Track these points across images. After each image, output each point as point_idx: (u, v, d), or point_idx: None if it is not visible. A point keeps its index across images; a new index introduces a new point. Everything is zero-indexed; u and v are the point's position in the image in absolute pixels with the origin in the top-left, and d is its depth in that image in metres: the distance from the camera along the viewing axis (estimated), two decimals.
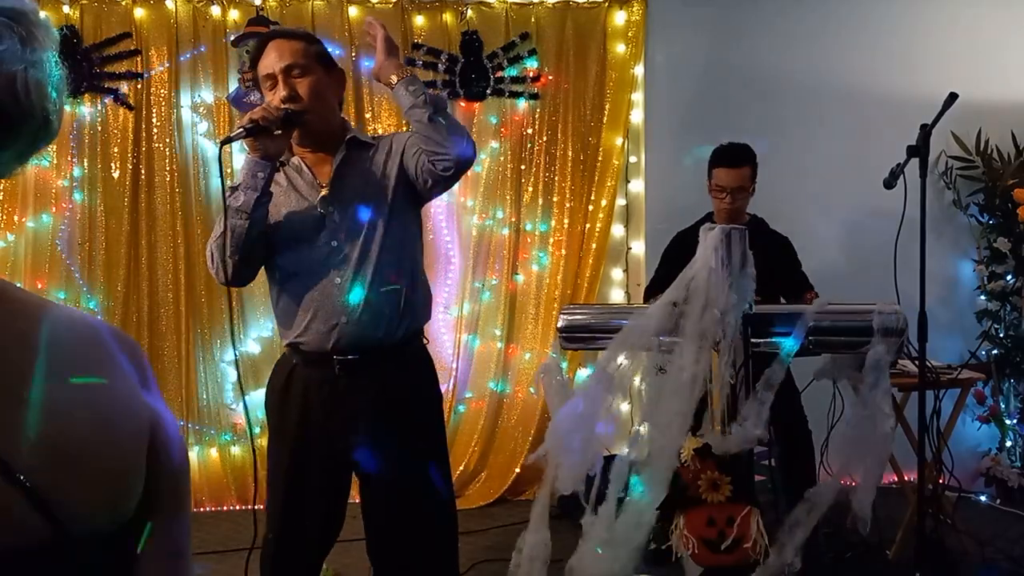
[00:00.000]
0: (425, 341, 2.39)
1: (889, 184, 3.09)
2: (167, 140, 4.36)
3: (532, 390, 4.51)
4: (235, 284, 2.27)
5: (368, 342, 2.20)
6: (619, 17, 4.55)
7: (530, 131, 4.54)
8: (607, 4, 4.55)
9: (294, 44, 2.23)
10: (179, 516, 0.84)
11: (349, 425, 2.22)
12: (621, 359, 1.89)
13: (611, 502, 1.84)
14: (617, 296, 4.64)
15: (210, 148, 4.42)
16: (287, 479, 2.26)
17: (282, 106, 2.16)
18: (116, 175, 4.35)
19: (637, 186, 4.65)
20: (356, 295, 2.19)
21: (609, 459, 1.91)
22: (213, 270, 2.22)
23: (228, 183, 4.37)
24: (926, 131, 3.04)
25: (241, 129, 2.10)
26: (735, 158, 3.51)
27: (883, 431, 1.82)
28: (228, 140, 2.14)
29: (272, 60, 2.20)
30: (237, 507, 4.37)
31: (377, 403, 2.21)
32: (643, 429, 1.88)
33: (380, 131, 4.41)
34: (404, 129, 4.42)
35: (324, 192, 2.23)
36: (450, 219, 4.54)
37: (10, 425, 0.69)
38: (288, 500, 2.26)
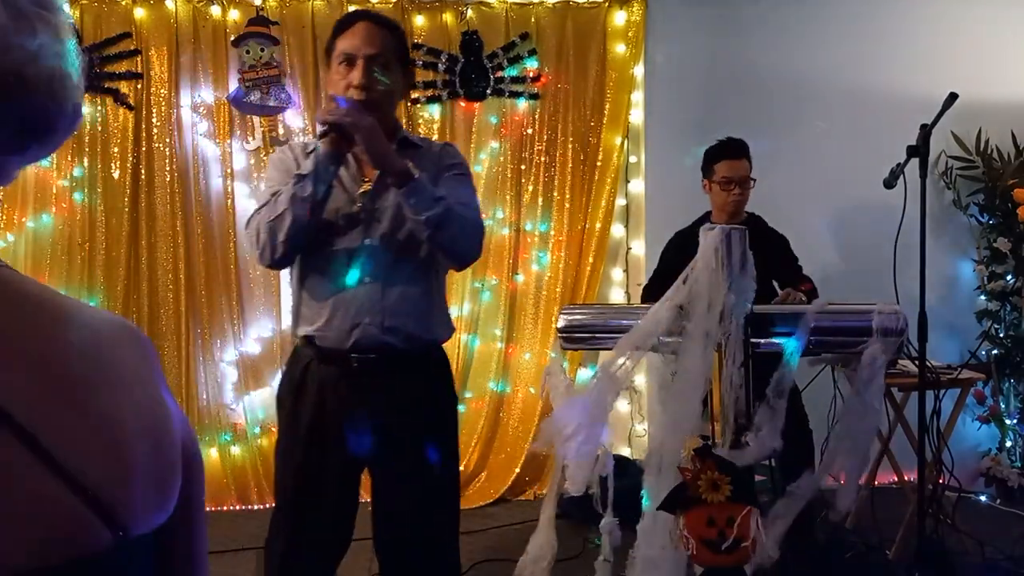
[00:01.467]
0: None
1: (889, 184, 3.09)
2: (167, 140, 4.36)
3: (532, 390, 4.51)
4: (276, 267, 2.25)
5: (389, 344, 2.15)
6: (619, 17, 4.55)
7: (530, 131, 4.54)
8: (607, 4, 4.55)
9: (384, 33, 2.17)
10: (202, 511, 0.87)
11: (364, 423, 2.16)
12: (622, 359, 1.89)
13: (648, 518, 1.84)
14: (617, 296, 4.64)
15: (210, 148, 4.42)
16: (298, 477, 2.21)
17: (355, 98, 2.10)
18: (116, 175, 4.35)
19: (637, 186, 4.65)
20: (384, 297, 2.14)
21: (617, 459, 1.92)
22: (257, 250, 2.16)
23: (228, 182, 4.32)
24: (926, 131, 3.05)
25: (327, 131, 2.06)
26: (738, 150, 3.58)
27: (871, 427, 1.82)
28: (326, 134, 2.07)
29: (358, 43, 2.13)
30: (237, 507, 4.37)
31: (393, 402, 2.17)
32: (650, 432, 1.88)
33: None
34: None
35: (366, 187, 2.17)
36: None
37: (79, 438, 0.70)
38: (299, 499, 2.21)
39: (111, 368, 0.75)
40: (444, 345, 2.31)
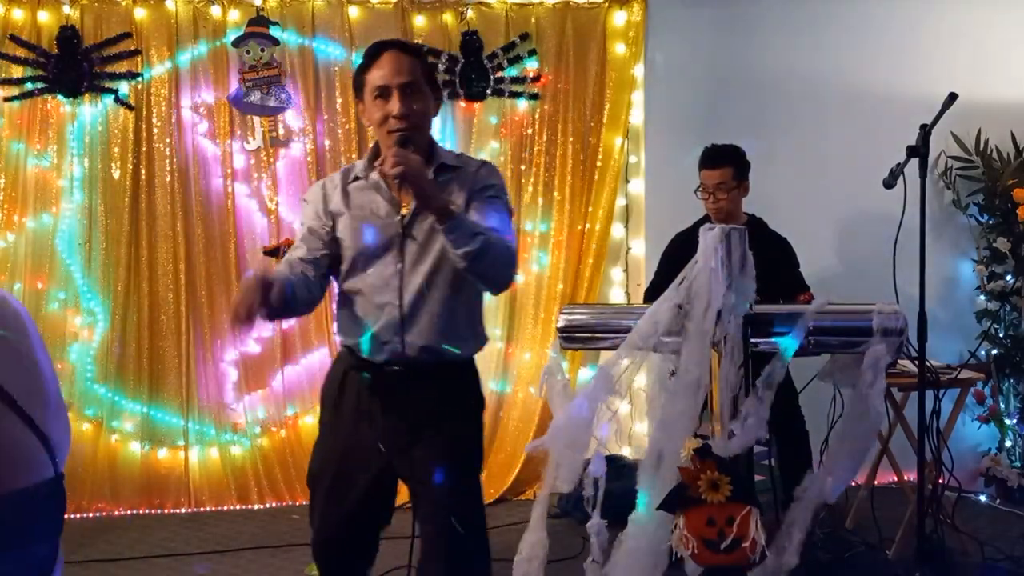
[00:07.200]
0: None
1: (889, 184, 3.09)
2: (167, 140, 4.36)
3: (532, 390, 4.51)
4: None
5: (416, 359, 2.25)
6: (619, 17, 4.55)
7: (530, 131, 4.54)
8: (607, 4, 4.55)
9: (412, 60, 2.25)
10: None
11: (397, 431, 2.26)
12: (624, 360, 1.90)
13: (642, 511, 1.85)
14: (617, 296, 4.64)
15: (210, 148, 4.42)
16: (334, 476, 2.32)
17: (394, 129, 2.19)
18: (116, 175, 4.35)
19: (637, 186, 4.65)
20: (413, 317, 2.23)
21: (611, 460, 1.92)
22: None
23: (228, 182, 4.36)
24: (926, 131, 3.04)
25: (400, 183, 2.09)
26: (713, 158, 3.58)
27: (871, 429, 1.83)
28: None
29: (389, 73, 2.20)
30: (237, 507, 4.38)
31: (424, 411, 2.26)
32: (649, 431, 1.89)
33: None
34: None
35: (404, 212, 2.23)
36: None
37: (33, 389, 0.86)
38: (332, 490, 2.31)
39: (25, 332, 0.90)
40: None
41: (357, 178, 2.32)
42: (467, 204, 2.25)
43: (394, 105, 2.18)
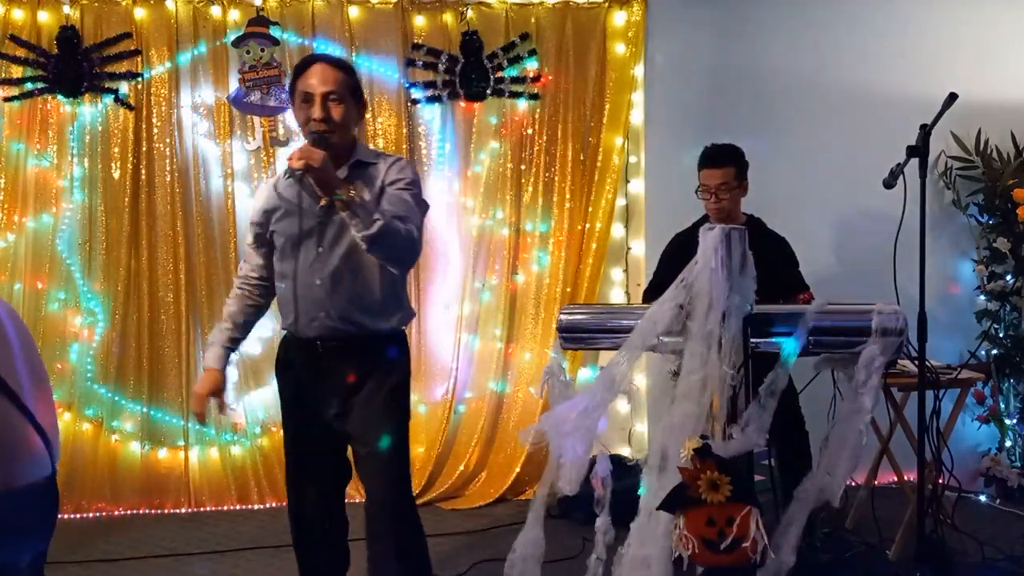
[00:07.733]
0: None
1: (889, 184, 3.09)
2: (167, 140, 4.36)
3: (532, 390, 4.51)
4: None
5: (343, 331, 2.58)
6: (619, 17, 4.55)
7: (530, 131, 4.54)
8: (607, 4, 4.55)
9: (337, 73, 2.57)
10: None
11: (337, 398, 2.63)
12: (623, 360, 1.90)
13: (644, 516, 1.86)
14: (617, 296, 4.64)
15: (210, 148, 4.42)
16: (292, 437, 2.79)
17: (314, 130, 2.51)
18: (116, 175, 4.35)
19: (637, 186, 4.65)
20: (335, 295, 2.56)
21: (613, 459, 1.93)
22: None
23: (228, 182, 4.38)
24: (926, 131, 3.04)
25: (298, 173, 2.40)
26: (715, 158, 3.57)
27: (858, 426, 1.83)
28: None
29: (315, 83, 2.53)
30: (237, 507, 4.38)
31: (350, 376, 2.61)
32: (649, 432, 1.89)
33: (380, 127, 4.44)
34: (403, 127, 4.44)
35: (323, 202, 2.49)
36: (450, 219, 4.54)
37: (26, 387, 0.90)
38: (294, 455, 2.80)
39: (25, 333, 0.94)
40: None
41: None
42: (380, 194, 2.55)
43: (315, 110, 2.52)
